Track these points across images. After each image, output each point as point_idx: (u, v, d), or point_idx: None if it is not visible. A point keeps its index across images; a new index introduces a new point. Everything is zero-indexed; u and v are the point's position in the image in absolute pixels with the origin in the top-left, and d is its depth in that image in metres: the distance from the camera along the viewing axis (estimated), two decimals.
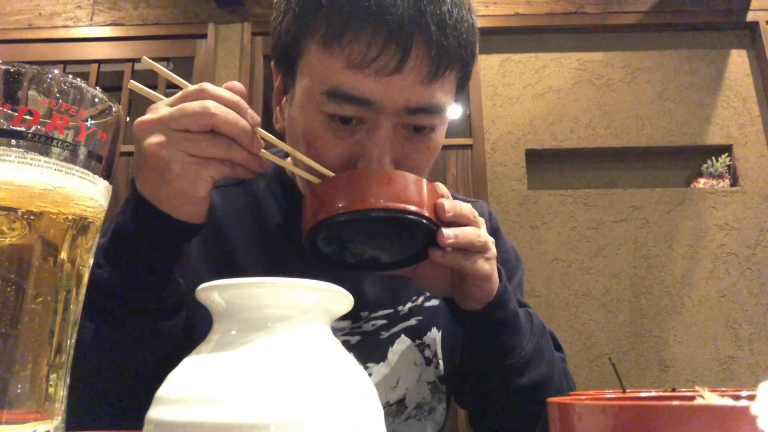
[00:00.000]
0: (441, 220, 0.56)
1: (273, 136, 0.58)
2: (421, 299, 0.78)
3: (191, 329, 0.61)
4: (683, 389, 0.34)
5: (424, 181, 0.57)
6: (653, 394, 0.35)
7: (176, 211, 0.53)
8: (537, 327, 0.70)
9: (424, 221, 0.54)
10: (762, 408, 0.22)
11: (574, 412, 0.27)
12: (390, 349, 0.74)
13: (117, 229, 0.55)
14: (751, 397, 0.23)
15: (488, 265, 0.60)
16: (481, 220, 0.61)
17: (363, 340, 0.73)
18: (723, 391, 0.30)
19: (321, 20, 0.59)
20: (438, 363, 0.77)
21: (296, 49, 0.63)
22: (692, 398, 0.29)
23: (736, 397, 0.28)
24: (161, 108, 0.52)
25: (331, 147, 0.61)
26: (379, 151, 0.60)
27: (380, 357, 0.73)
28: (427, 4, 0.57)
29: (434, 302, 0.78)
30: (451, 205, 0.56)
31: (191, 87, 0.53)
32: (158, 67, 0.57)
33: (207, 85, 0.52)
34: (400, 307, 0.76)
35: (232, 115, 0.51)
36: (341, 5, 0.57)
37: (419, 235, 0.57)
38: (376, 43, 0.57)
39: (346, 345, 0.72)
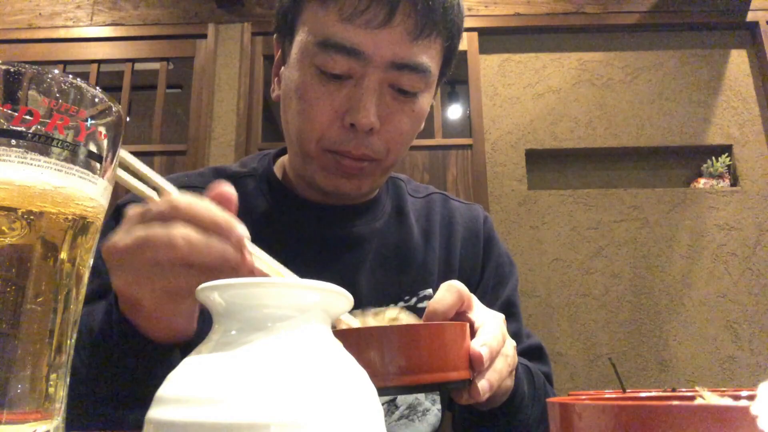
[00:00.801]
0: (476, 370, 0.48)
1: (264, 254, 0.48)
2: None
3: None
4: (683, 389, 0.34)
5: (445, 328, 0.47)
6: (653, 394, 0.35)
7: (158, 336, 0.49)
8: (539, 387, 0.68)
9: (455, 383, 0.47)
10: (762, 408, 0.22)
11: (574, 412, 0.27)
12: None
13: (100, 337, 0.51)
14: (751, 397, 0.23)
15: (510, 381, 0.56)
16: (502, 319, 0.55)
17: None
18: (723, 391, 0.30)
19: None
20: None
21: (294, 10, 0.68)
22: (692, 398, 0.29)
23: (736, 397, 0.28)
24: (130, 227, 0.44)
25: (320, 99, 0.65)
26: (366, 100, 0.64)
27: None
28: None
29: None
30: (488, 353, 0.49)
31: (162, 201, 0.44)
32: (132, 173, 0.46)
33: (179, 201, 0.42)
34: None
35: (205, 245, 0.41)
36: None
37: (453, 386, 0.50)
38: None
39: None
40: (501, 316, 0.55)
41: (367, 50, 0.63)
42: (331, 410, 0.27)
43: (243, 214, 0.73)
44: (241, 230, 0.44)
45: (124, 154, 0.43)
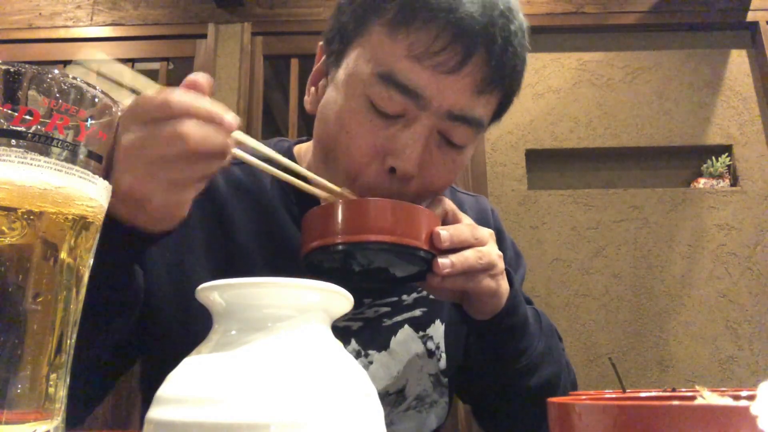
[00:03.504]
0: (438, 249, 0.56)
1: (251, 139, 0.55)
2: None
3: (189, 328, 0.61)
4: (683, 389, 0.34)
5: (421, 209, 0.57)
6: (653, 394, 0.35)
7: (153, 228, 0.51)
8: (546, 326, 0.70)
9: (421, 253, 0.55)
10: (762, 408, 0.22)
11: (574, 412, 0.27)
12: (393, 338, 0.74)
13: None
14: (751, 397, 0.23)
15: (493, 282, 0.59)
16: (488, 233, 0.61)
17: (365, 326, 0.73)
18: (723, 391, 0.30)
19: (393, 3, 0.59)
20: (441, 356, 0.77)
21: (357, 28, 0.62)
22: (692, 398, 0.29)
23: (736, 397, 0.28)
24: (128, 126, 0.46)
25: (364, 134, 0.60)
26: (411, 148, 0.59)
27: (382, 345, 0.73)
28: (499, 18, 0.58)
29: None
30: (448, 234, 0.56)
31: (154, 95, 0.47)
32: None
33: (175, 98, 0.46)
34: (405, 297, 0.76)
35: (209, 135, 0.45)
36: None
37: (419, 261, 0.57)
38: (443, 39, 0.57)
39: (348, 331, 0.72)
40: (488, 230, 0.61)
41: (428, 95, 0.58)
42: (331, 410, 0.27)
43: (255, 202, 0.73)
44: (232, 118, 0.48)
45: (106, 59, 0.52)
